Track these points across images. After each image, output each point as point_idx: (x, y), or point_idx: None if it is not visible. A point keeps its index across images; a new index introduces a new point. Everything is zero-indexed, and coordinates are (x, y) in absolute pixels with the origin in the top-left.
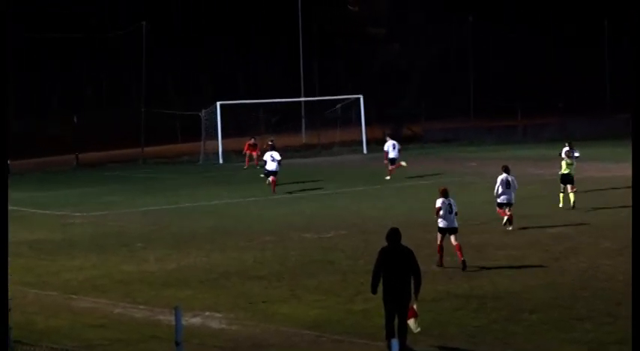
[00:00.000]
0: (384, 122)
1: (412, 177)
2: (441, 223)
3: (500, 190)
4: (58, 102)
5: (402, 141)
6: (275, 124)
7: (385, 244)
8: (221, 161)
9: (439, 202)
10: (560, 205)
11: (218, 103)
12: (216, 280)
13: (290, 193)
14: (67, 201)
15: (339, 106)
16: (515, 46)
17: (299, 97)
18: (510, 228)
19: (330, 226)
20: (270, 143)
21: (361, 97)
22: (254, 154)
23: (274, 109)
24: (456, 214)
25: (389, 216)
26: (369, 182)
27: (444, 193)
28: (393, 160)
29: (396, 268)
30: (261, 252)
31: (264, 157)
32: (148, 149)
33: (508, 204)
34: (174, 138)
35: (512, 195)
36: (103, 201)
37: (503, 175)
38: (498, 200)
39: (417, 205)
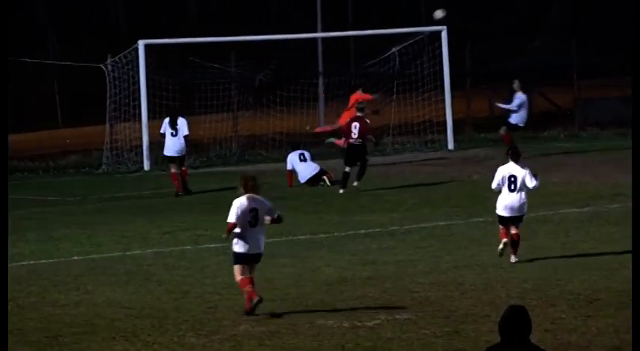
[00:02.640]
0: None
1: None
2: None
3: (501, 193)
4: None
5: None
6: (264, 89)
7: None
8: (147, 167)
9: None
10: None
11: (141, 43)
12: None
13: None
14: None
15: (395, 49)
16: None
17: (314, 30)
18: (513, 259)
19: None
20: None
21: (444, 30)
22: None
23: (263, 56)
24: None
25: None
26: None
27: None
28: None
29: None
30: None
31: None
32: None
33: (513, 218)
34: (50, 118)
35: (522, 202)
36: None
37: (509, 167)
38: (498, 211)
39: None
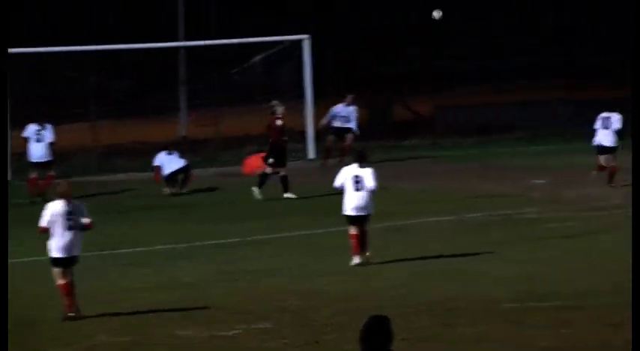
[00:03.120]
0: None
1: None
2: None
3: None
4: None
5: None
6: (125, 98)
7: None
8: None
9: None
10: None
11: None
12: None
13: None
14: None
15: (257, 58)
16: None
17: (174, 38)
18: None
19: None
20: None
21: (306, 38)
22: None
23: (120, 65)
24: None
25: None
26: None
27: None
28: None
29: None
30: None
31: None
32: None
33: (360, 217)
34: None
35: (367, 201)
36: None
37: (353, 168)
38: (346, 212)
39: None
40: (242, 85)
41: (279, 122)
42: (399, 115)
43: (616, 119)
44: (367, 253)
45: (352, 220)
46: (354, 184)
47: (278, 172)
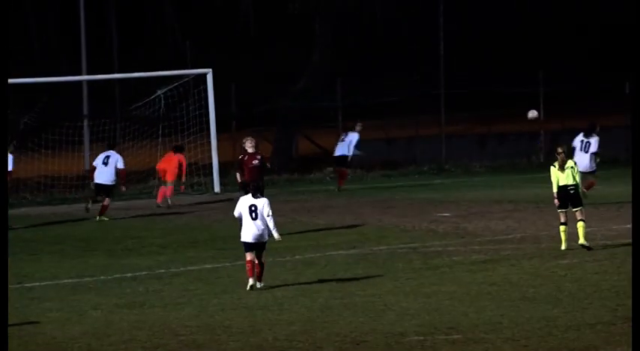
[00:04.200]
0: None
1: None
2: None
3: (244, 222)
4: None
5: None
6: (29, 132)
7: None
8: None
9: None
10: None
11: None
12: None
13: None
14: None
15: (160, 92)
16: None
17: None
18: (259, 285)
19: None
20: None
21: (209, 72)
22: None
23: (27, 99)
24: None
25: None
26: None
27: None
28: None
29: None
30: None
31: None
32: None
33: (256, 244)
34: None
35: (263, 229)
36: None
37: (249, 198)
38: (243, 239)
39: None
40: (144, 120)
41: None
42: (303, 149)
43: (594, 143)
44: (259, 285)
45: (249, 246)
46: (251, 213)
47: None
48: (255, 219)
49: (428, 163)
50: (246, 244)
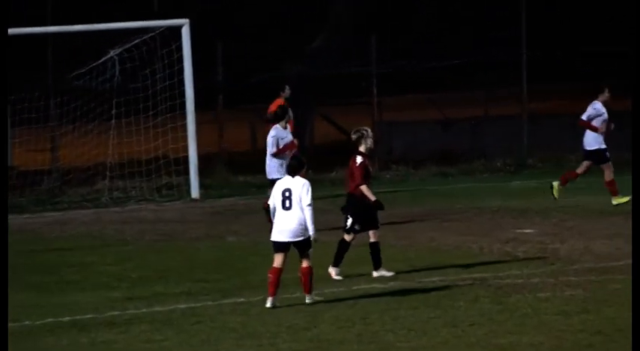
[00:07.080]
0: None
1: None
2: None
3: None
4: None
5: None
6: None
7: None
8: None
9: None
10: None
11: None
12: None
13: None
14: None
15: (114, 53)
16: None
17: None
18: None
19: None
20: None
21: (186, 24)
22: None
23: None
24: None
25: None
26: None
27: None
28: None
29: None
30: None
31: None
32: None
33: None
34: None
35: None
36: None
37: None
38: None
39: None
40: (89, 93)
41: None
42: (320, 135)
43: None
44: (308, 299)
45: (278, 247)
46: (283, 202)
47: None
48: (289, 208)
49: (502, 156)
50: (274, 243)
